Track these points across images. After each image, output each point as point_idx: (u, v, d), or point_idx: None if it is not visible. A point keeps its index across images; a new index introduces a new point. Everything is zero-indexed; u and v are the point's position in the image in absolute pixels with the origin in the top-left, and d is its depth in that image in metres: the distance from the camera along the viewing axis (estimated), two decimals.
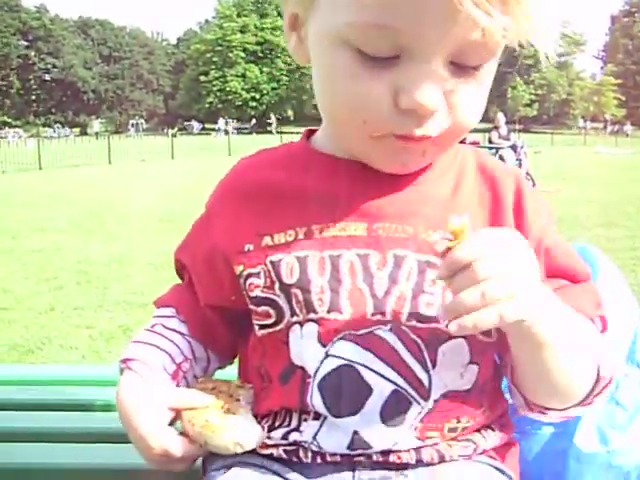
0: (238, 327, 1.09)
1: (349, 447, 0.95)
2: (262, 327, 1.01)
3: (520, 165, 16.53)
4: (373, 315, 0.94)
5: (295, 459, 0.99)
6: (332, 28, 0.86)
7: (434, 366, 0.94)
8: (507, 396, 1.07)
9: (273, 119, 72.98)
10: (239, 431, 0.99)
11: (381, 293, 0.94)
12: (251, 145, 32.12)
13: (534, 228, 0.99)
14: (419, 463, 0.96)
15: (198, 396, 1.05)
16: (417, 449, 0.96)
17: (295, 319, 0.97)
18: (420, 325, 0.94)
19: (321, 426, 0.96)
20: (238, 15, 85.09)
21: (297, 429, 0.98)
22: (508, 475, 1.02)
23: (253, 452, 1.00)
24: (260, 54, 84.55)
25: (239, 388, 1.06)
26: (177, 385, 1.09)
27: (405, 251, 0.95)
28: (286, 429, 0.99)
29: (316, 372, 0.95)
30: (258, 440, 1.00)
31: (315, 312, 0.95)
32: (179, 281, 1.20)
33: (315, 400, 0.95)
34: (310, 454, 0.98)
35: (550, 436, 1.15)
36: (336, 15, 0.85)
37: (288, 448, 0.99)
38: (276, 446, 1.00)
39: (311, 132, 1.11)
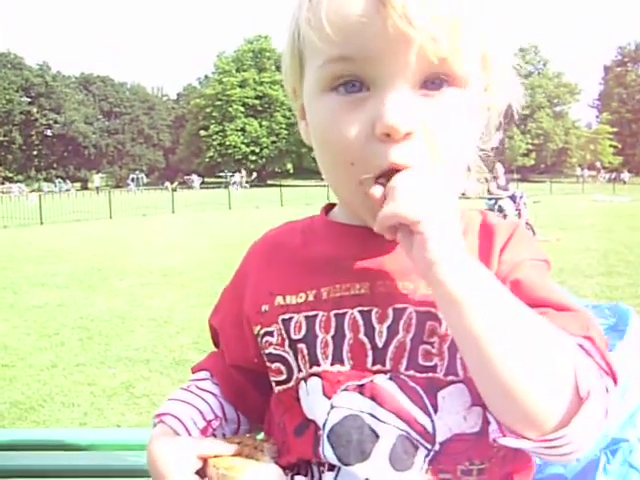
0: (266, 390, 1.14)
1: None
2: (277, 384, 1.08)
3: (519, 215, 16.61)
4: (373, 365, 0.99)
5: None
6: (312, 80, 0.99)
7: (436, 411, 0.97)
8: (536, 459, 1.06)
9: (243, 173, 73.11)
10: (261, 473, 1.01)
11: (381, 344, 1.00)
12: (251, 199, 32.12)
13: (503, 268, 1.02)
14: None
15: (223, 445, 1.08)
16: None
17: (301, 375, 1.03)
18: (418, 375, 0.98)
19: (336, 477, 0.99)
20: (237, 70, 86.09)
21: None
22: None
23: None
24: (259, 108, 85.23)
25: (263, 442, 1.10)
26: None
27: (405, 305, 1.00)
28: (308, 479, 1.03)
29: (324, 424, 1.00)
30: None
31: (319, 365, 1.01)
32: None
33: (327, 451, 0.99)
34: None
35: None
36: (312, 67, 0.99)
37: None
38: None
39: (330, 206, 1.19)
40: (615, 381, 0.93)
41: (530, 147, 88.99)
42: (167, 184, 63.40)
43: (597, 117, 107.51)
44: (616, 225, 20.47)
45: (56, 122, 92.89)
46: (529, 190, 29.12)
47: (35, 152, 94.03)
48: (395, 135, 0.91)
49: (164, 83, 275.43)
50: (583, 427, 0.87)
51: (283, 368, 1.06)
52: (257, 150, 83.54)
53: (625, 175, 74.89)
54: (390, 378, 0.98)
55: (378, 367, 0.99)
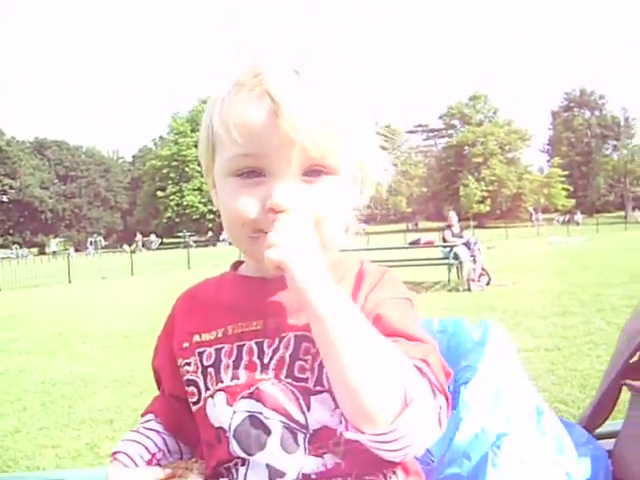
0: None
1: (270, 478, 1.22)
2: (193, 404, 1.36)
3: (475, 261, 16.89)
4: (260, 375, 1.27)
5: None
6: (221, 165, 1.31)
7: (309, 409, 1.24)
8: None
9: (138, 237, 73.37)
10: None
11: (267, 360, 1.28)
12: (210, 258, 31.76)
13: (368, 305, 1.28)
14: None
15: (159, 471, 1.35)
16: (327, 473, 1.21)
17: (208, 394, 1.31)
18: (295, 383, 1.25)
19: (247, 468, 1.25)
20: (192, 130, 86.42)
21: (235, 477, 1.27)
22: None
23: None
24: None
25: (194, 463, 1.37)
26: None
27: (288, 333, 1.29)
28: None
29: (229, 427, 1.27)
30: None
31: (222, 382, 1.29)
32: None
33: (234, 447, 1.26)
34: None
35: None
36: (222, 156, 1.31)
37: None
38: None
39: (239, 263, 1.51)
40: (447, 399, 1.19)
41: (485, 194, 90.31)
42: (125, 246, 62.98)
43: (548, 161, 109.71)
44: (570, 266, 20.93)
45: (11, 187, 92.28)
46: (486, 236, 29.67)
47: None
48: (279, 210, 1.20)
49: (119, 145, 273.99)
50: (407, 429, 1.11)
51: (195, 390, 1.34)
52: (215, 209, 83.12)
53: (578, 217, 76.47)
54: (272, 383, 1.26)
55: (263, 376, 1.27)
